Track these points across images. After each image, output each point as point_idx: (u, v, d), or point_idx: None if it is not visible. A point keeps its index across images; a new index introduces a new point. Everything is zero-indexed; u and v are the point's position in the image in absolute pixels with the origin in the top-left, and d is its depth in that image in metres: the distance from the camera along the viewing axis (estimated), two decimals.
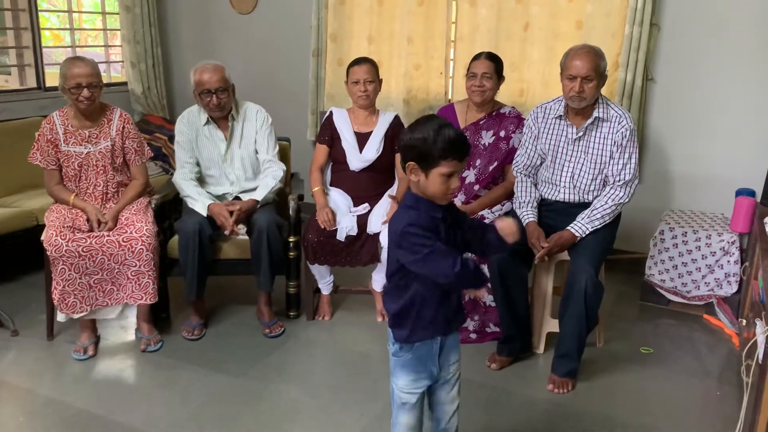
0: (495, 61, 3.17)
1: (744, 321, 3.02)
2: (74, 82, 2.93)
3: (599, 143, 2.83)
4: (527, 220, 2.88)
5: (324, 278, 3.39)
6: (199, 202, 3.13)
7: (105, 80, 5.05)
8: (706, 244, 3.43)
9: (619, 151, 2.79)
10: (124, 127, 3.13)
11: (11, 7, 4.42)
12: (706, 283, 3.47)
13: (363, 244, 3.22)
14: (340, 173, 3.46)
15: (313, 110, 4.72)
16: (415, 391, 1.89)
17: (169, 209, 3.33)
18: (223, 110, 3.19)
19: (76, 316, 2.92)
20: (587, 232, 2.78)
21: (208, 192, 3.24)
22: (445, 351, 1.90)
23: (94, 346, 3.01)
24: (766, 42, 3.52)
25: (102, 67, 5.21)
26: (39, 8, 4.52)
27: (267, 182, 3.23)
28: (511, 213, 3.07)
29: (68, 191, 3.08)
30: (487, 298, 3.05)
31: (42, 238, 2.91)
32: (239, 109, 3.30)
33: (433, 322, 1.83)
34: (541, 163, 3.00)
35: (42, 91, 4.53)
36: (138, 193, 3.17)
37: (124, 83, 5.11)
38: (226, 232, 3.07)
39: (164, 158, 4.59)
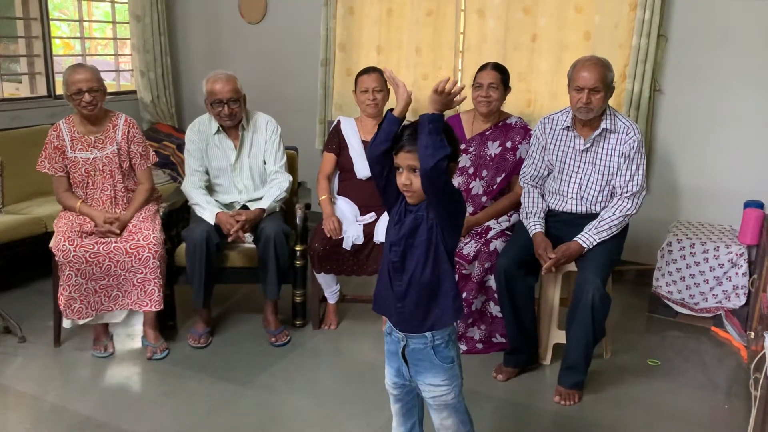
0: (501, 71, 3.17)
1: (752, 334, 3.00)
2: (75, 88, 2.98)
3: (607, 154, 2.83)
4: (534, 231, 2.87)
5: (330, 287, 3.39)
6: (207, 211, 3.14)
7: (114, 89, 5.13)
8: (714, 255, 3.41)
9: (626, 162, 2.79)
10: (129, 132, 3.16)
11: (23, 17, 4.47)
12: (714, 295, 3.45)
13: (369, 253, 3.23)
14: (347, 182, 3.47)
15: (321, 119, 4.74)
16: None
17: (177, 217, 3.35)
18: (234, 120, 3.21)
19: (81, 321, 2.95)
20: (594, 243, 2.77)
21: (216, 200, 3.25)
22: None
23: (112, 343, 3.07)
24: None
25: (111, 76, 5.26)
26: (50, 17, 4.57)
27: (273, 192, 3.24)
28: (518, 224, 3.06)
29: (75, 198, 3.11)
30: (494, 309, 3.05)
31: (50, 244, 2.93)
32: (250, 119, 3.32)
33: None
34: (548, 174, 2.99)
35: (52, 99, 4.57)
36: (146, 198, 3.19)
37: (134, 92, 5.14)
38: (230, 239, 3.08)
39: (172, 166, 4.62)
